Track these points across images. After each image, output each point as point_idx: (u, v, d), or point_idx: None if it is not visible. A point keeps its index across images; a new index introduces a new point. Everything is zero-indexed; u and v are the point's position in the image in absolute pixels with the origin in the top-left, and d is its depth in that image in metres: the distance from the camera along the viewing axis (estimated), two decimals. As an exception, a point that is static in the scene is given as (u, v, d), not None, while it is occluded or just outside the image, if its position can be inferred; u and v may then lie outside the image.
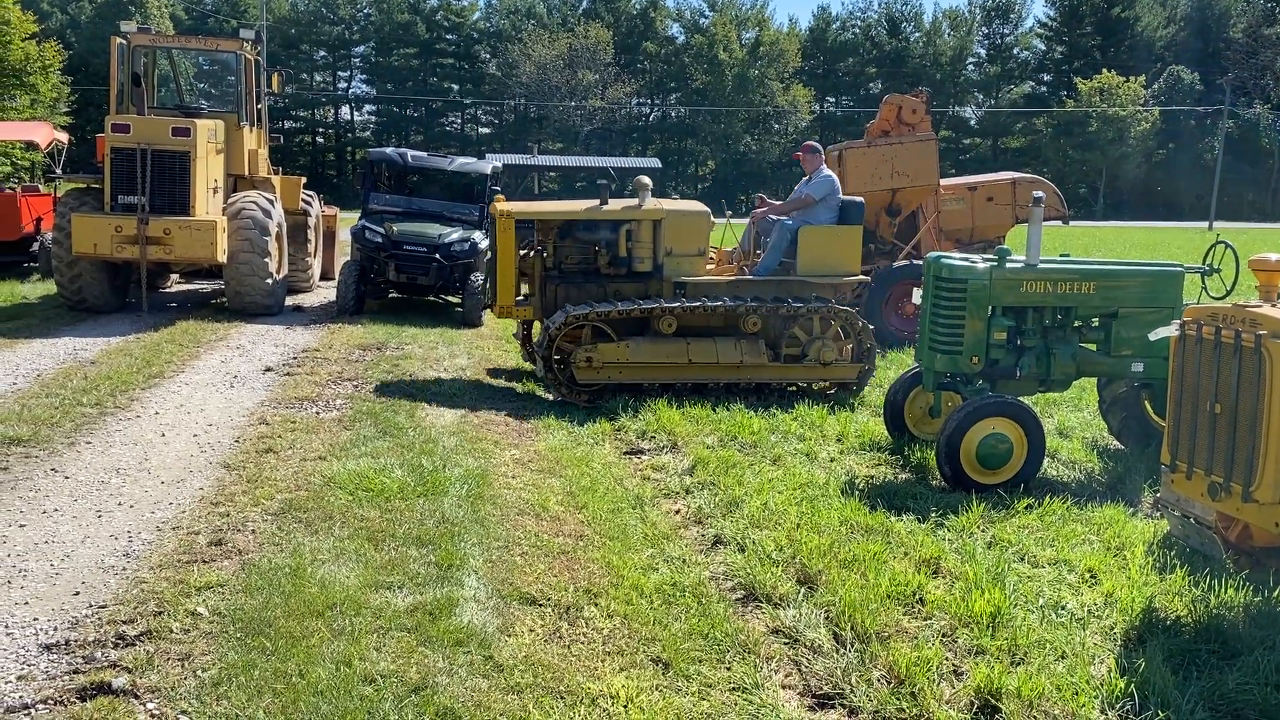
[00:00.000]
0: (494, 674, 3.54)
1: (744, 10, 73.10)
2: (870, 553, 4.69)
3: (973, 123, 78.09)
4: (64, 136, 19.72)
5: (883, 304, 10.91)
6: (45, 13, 51.79)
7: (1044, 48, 77.12)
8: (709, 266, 8.95)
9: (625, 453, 6.82)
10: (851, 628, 3.96)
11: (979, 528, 5.23)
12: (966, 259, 6.51)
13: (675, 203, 9.36)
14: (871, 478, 6.18)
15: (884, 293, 10.91)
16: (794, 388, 8.62)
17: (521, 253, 8.86)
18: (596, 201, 8.75)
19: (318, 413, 7.40)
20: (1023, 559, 4.83)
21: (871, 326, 8.65)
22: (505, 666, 3.59)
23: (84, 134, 32.42)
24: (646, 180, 8.86)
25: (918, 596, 4.31)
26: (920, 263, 10.69)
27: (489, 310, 9.70)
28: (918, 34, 76.40)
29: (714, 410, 7.59)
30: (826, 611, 4.13)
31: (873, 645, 3.85)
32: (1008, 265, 6.31)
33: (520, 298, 8.95)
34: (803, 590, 4.34)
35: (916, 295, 7.00)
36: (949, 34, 75.69)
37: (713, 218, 8.94)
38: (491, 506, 5.35)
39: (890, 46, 74.97)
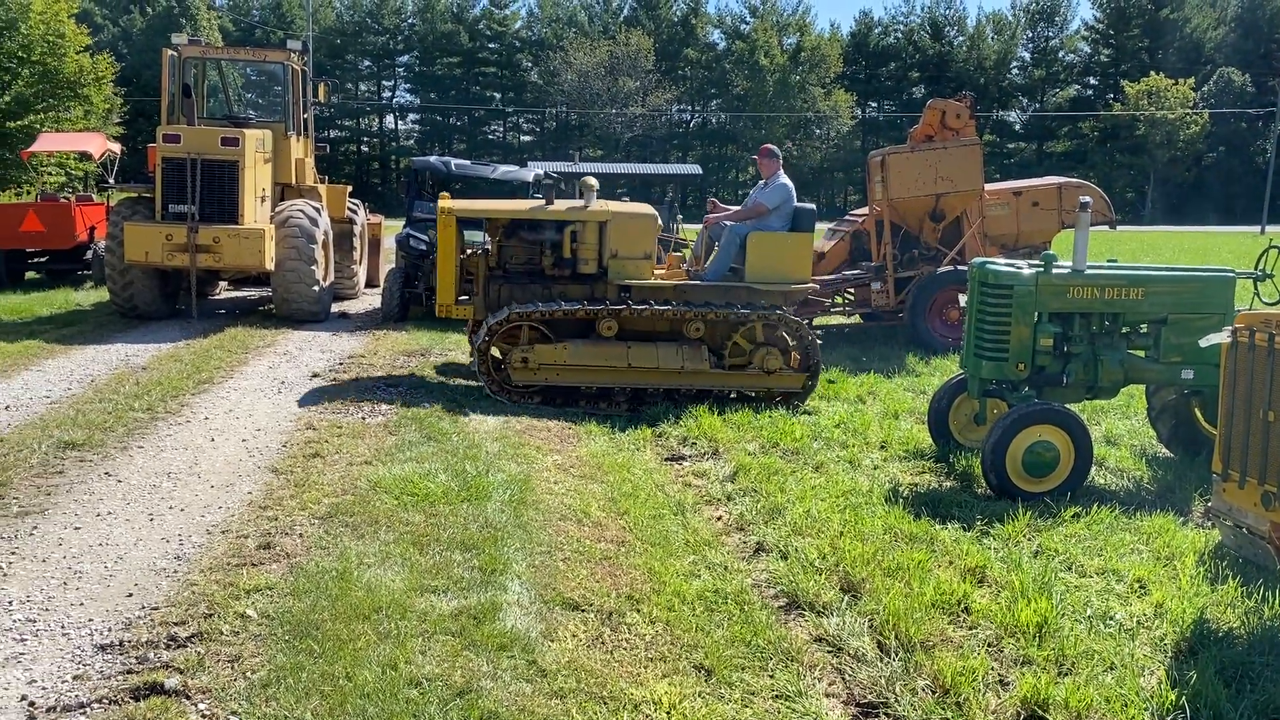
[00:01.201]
0: (537, 679, 3.56)
1: (785, 16, 72.95)
2: (914, 561, 4.65)
3: (1017, 127, 77.20)
4: (116, 147, 20.12)
5: (926, 310, 10.83)
6: (98, 26, 52.92)
7: (1090, 50, 76.03)
8: (658, 270, 8.87)
9: (666, 459, 6.83)
10: (896, 636, 3.94)
11: (1025, 536, 5.17)
12: (1012, 264, 6.45)
13: (622, 205, 9.28)
14: (915, 485, 6.14)
15: (928, 299, 10.83)
16: (736, 395, 8.52)
17: (467, 252, 8.83)
18: (542, 201, 8.69)
19: (363, 418, 7.48)
20: (1070, 568, 4.77)
21: (814, 339, 8.48)
22: (548, 671, 3.61)
23: (135, 144, 33.06)
24: (593, 181, 8.79)
25: (963, 605, 4.27)
26: (964, 268, 10.62)
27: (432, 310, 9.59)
28: (961, 38, 75.70)
29: (755, 416, 7.57)
30: (870, 620, 4.10)
31: (917, 654, 3.83)
32: (1054, 271, 6.24)
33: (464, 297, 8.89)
34: (846, 598, 4.32)
35: (964, 300, 6.94)
36: (993, 38, 74.92)
37: (660, 222, 8.85)
38: (534, 512, 5.38)
39: (933, 51, 74.35)
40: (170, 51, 13.11)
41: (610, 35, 67.00)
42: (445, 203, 8.68)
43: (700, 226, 9.60)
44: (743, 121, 68.74)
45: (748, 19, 73.29)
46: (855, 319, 12.63)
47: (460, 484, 5.75)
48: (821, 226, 12.19)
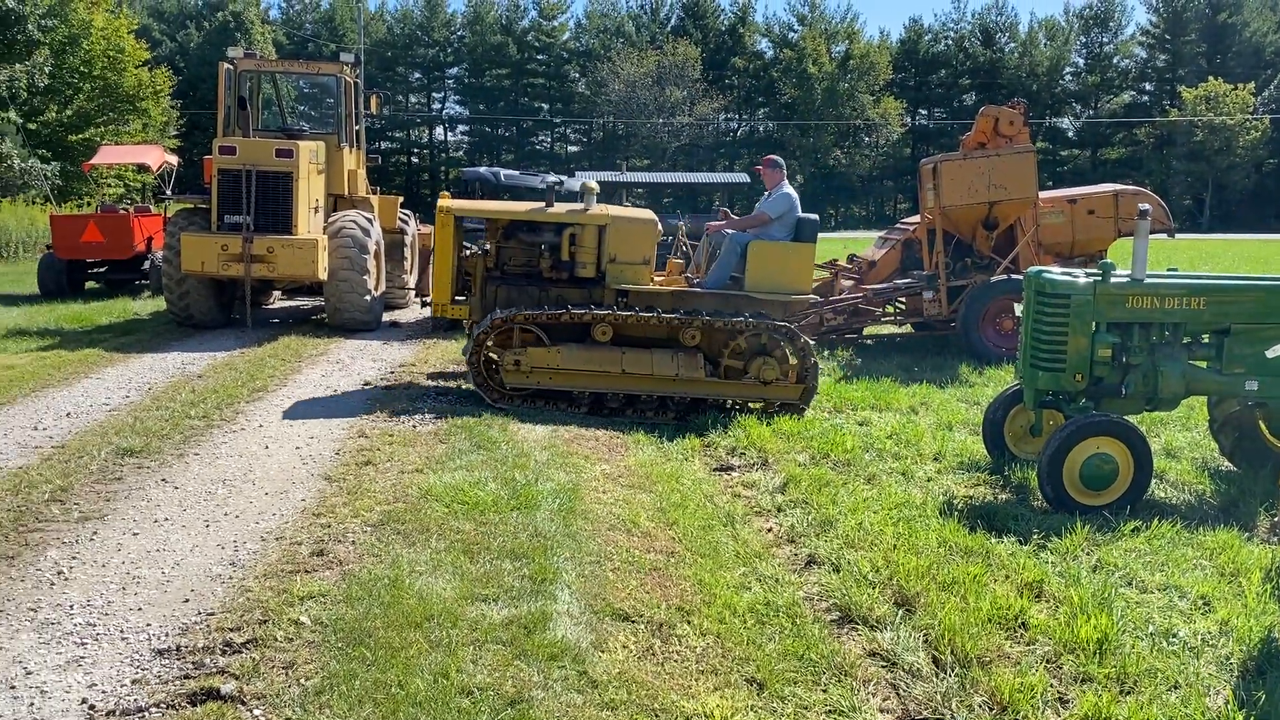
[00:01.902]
0: (588, 690, 3.55)
1: (834, 24, 72.65)
2: (970, 575, 4.57)
3: (1070, 134, 76.15)
4: (174, 159, 20.55)
5: (979, 319, 10.69)
6: (156, 40, 54.10)
7: (1145, 56, 74.82)
8: (658, 277, 8.80)
9: (715, 469, 6.79)
10: (951, 651, 3.87)
11: (1083, 551, 5.07)
12: (1068, 273, 6.33)
13: (622, 209, 9.19)
14: (970, 498, 6.04)
15: (981, 308, 10.69)
16: (735, 405, 8.44)
17: (466, 252, 8.82)
18: (543, 204, 8.65)
19: (414, 426, 7.53)
20: (1130, 584, 4.66)
21: (811, 349, 8.35)
22: (600, 683, 3.59)
23: (191, 156, 33.76)
24: (593, 184, 8.75)
25: (1020, 621, 4.19)
26: (1018, 277, 10.47)
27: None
28: (1013, 44, 74.85)
29: (805, 427, 7.51)
30: (925, 634, 4.04)
31: (974, 670, 3.76)
32: (1112, 280, 6.11)
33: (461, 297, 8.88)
34: (900, 612, 4.25)
35: (1019, 310, 6.83)
36: (1045, 44, 73.99)
37: (660, 227, 8.78)
38: (583, 521, 5.37)
39: (984, 58, 73.58)
40: (227, 65, 13.35)
41: (658, 45, 67.16)
42: (444, 202, 8.70)
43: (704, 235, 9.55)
44: (790, 130, 68.51)
45: (796, 27, 73.13)
46: (906, 328, 12.50)
47: (509, 492, 5.76)
48: (871, 235, 12.12)
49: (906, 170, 71.76)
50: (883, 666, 3.87)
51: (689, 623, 4.14)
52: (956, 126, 68.94)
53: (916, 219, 12.56)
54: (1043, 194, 11.82)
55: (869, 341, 12.16)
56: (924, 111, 77.73)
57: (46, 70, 33.93)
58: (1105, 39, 74.67)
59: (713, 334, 8.35)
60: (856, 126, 68.39)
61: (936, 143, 70.71)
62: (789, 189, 8.84)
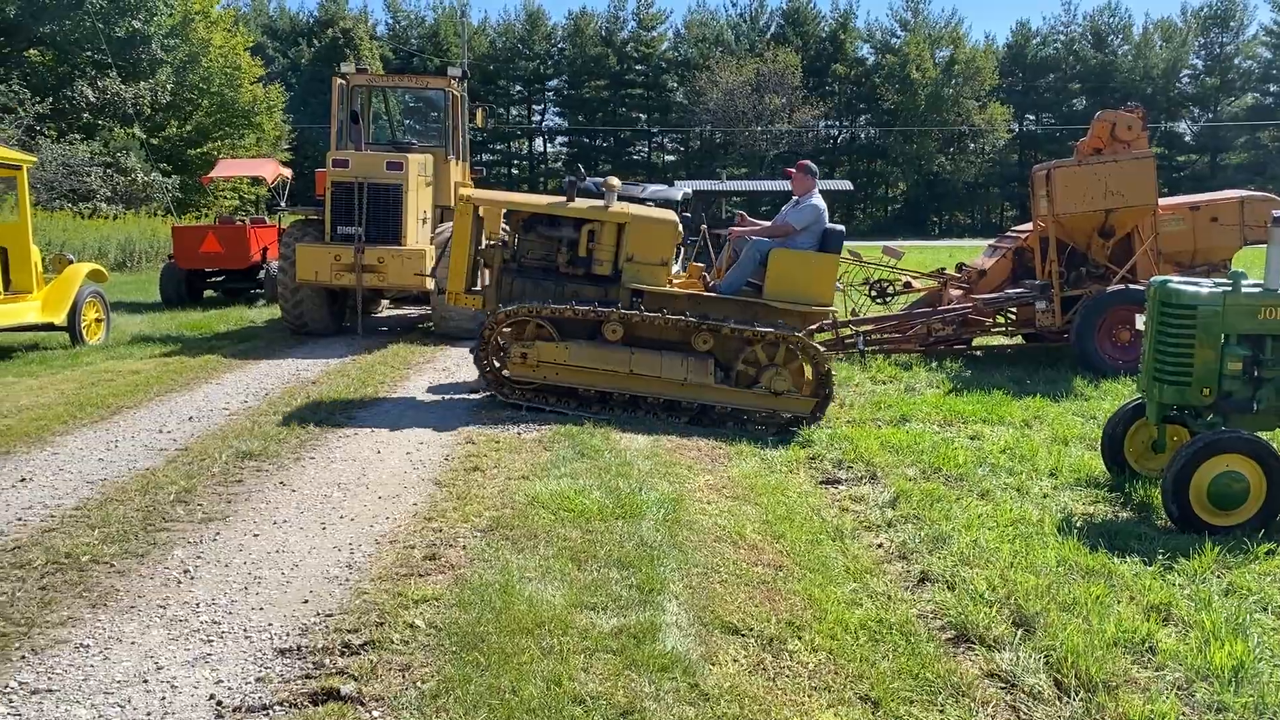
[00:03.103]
0: (700, 702, 3.52)
1: (938, 29, 71.36)
2: (1092, 596, 4.41)
3: (1187, 138, 73.27)
4: (287, 172, 21.26)
5: (1095, 330, 10.33)
6: (270, 57, 56.12)
7: (1270, 56, 71.52)
8: (676, 280, 8.63)
9: (821, 482, 6.69)
10: (1075, 675, 3.73)
11: (1213, 573, 4.84)
12: (1194, 283, 6.08)
13: (643, 209, 9.02)
14: (1089, 515, 5.83)
15: (1097, 319, 10.32)
16: (745, 415, 8.27)
17: (489, 242, 8.75)
18: (564, 198, 8.57)
19: (519, 433, 7.62)
20: (1265, 609, 4.43)
21: (826, 361, 8.15)
22: (711, 696, 3.56)
23: (301, 169, 34.89)
24: (615, 181, 8.66)
25: (1147, 645, 4.02)
26: (1137, 287, 10.10)
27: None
28: (1126, 47, 72.45)
29: (915, 440, 7.36)
30: (1046, 656, 3.90)
31: (1099, 695, 3.61)
32: (1243, 290, 5.83)
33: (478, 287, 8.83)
34: (1019, 633, 4.12)
35: (1140, 322, 6.57)
36: (1161, 45, 71.38)
37: (681, 229, 8.60)
38: (688, 532, 5.35)
39: (1095, 61, 71.37)
40: (340, 80, 13.74)
41: (757, 53, 66.93)
42: (465, 191, 8.71)
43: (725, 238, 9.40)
44: (893, 136, 67.52)
45: (898, 33, 72.04)
46: (1017, 340, 12.16)
47: (614, 501, 5.77)
48: (976, 243, 11.80)
49: (1013, 177, 70.08)
50: (1002, 688, 3.75)
51: (800, 638, 4.08)
52: (1066, 132, 67.04)
53: (1028, 227, 12.21)
54: (1162, 200, 11.39)
55: (978, 353, 11.86)
56: (1031, 117, 75.71)
57: (168, 88, 35.52)
58: (1226, 39, 71.64)
59: (725, 340, 8.21)
60: (961, 132, 67.02)
61: (1045, 149, 68.91)
62: (819, 200, 8.63)
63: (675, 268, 9.74)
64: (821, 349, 8.29)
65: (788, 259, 8.30)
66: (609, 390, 8.25)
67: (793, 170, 8.94)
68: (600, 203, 8.54)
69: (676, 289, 8.53)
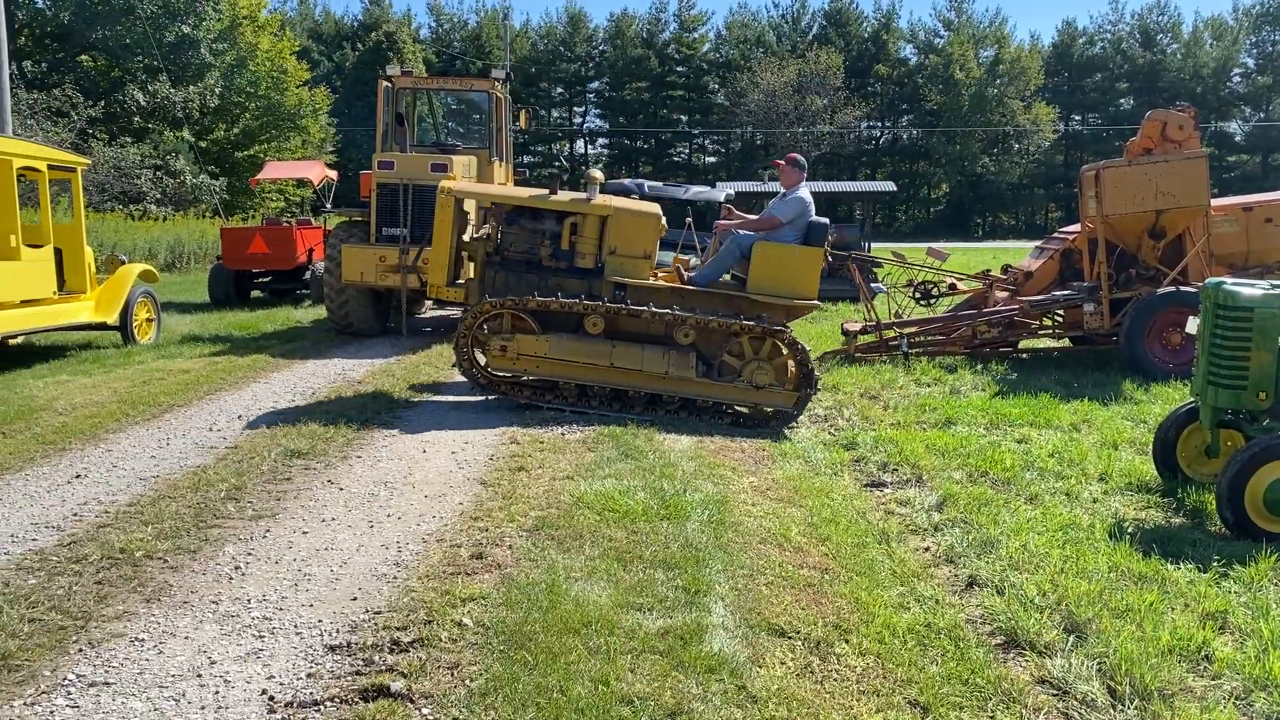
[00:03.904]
0: (748, 705, 3.51)
1: (982, 28, 70.64)
2: (1146, 602, 4.34)
3: (1238, 138, 71.90)
4: (333, 174, 21.48)
5: (1145, 333, 10.16)
6: (315, 61, 56.81)
7: (1325, 54, 70.12)
8: (661, 273, 8.58)
9: (866, 485, 6.65)
10: (1130, 683, 3.67)
11: (1270, 581, 4.74)
12: (1250, 285, 5.96)
13: (626, 201, 8.95)
14: (1141, 521, 5.74)
15: (1147, 321, 10.16)
16: (729, 409, 8.21)
17: (474, 235, 8.69)
18: (546, 190, 8.52)
19: (562, 433, 7.64)
20: (1326, 619, 4.34)
21: (808, 355, 8.11)
22: (758, 698, 3.54)
23: (346, 171, 35.28)
24: (597, 174, 8.60)
25: (1203, 653, 3.95)
26: (1188, 289, 9.93)
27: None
28: (1175, 46, 71.25)
29: (962, 443, 7.28)
30: (1099, 663, 3.85)
31: (1154, 703, 3.56)
32: (1302, 292, 5.72)
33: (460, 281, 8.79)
34: (1071, 639, 4.06)
35: (1192, 324, 6.46)
36: (1211, 44, 70.13)
37: (664, 222, 8.57)
38: (733, 533, 5.33)
39: (1143, 60, 70.28)
40: (385, 83, 13.87)
41: (799, 54, 66.64)
42: (446, 183, 8.69)
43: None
44: (936, 137, 66.93)
45: (942, 33, 71.43)
46: (1064, 342, 12.00)
47: (659, 502, 5.77)
48: (1020, 245, 11.66)
49: (1058, 178, 69.23)
50: (1053, 695, 3.70)
51: (847, 641, 4.05)
52: (1112, 133, 66.11)
53: (1075, 228, 12.05)
54: (1215, 201, 11.18)
55: (1024, 355, 11.72)
56: (1077, 117, 74.70)
57: (216, 91, 36.06)
58: (1278, 38, 70.24)
59: (708, 334, 8.19)
60: (1006, 133, 66.28)
61: (1091, 149, 67.97)
62: (805, 192, 8.59)
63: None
64: (804, 345, 8.29)
65: (772, 252, 8.29)
66: (589, 384, 8.25)
67: (781, 163, 8.94)
68: (583, 195, 8.54)
69: (660, 282, 8.53)
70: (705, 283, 8.45)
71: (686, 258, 9.58)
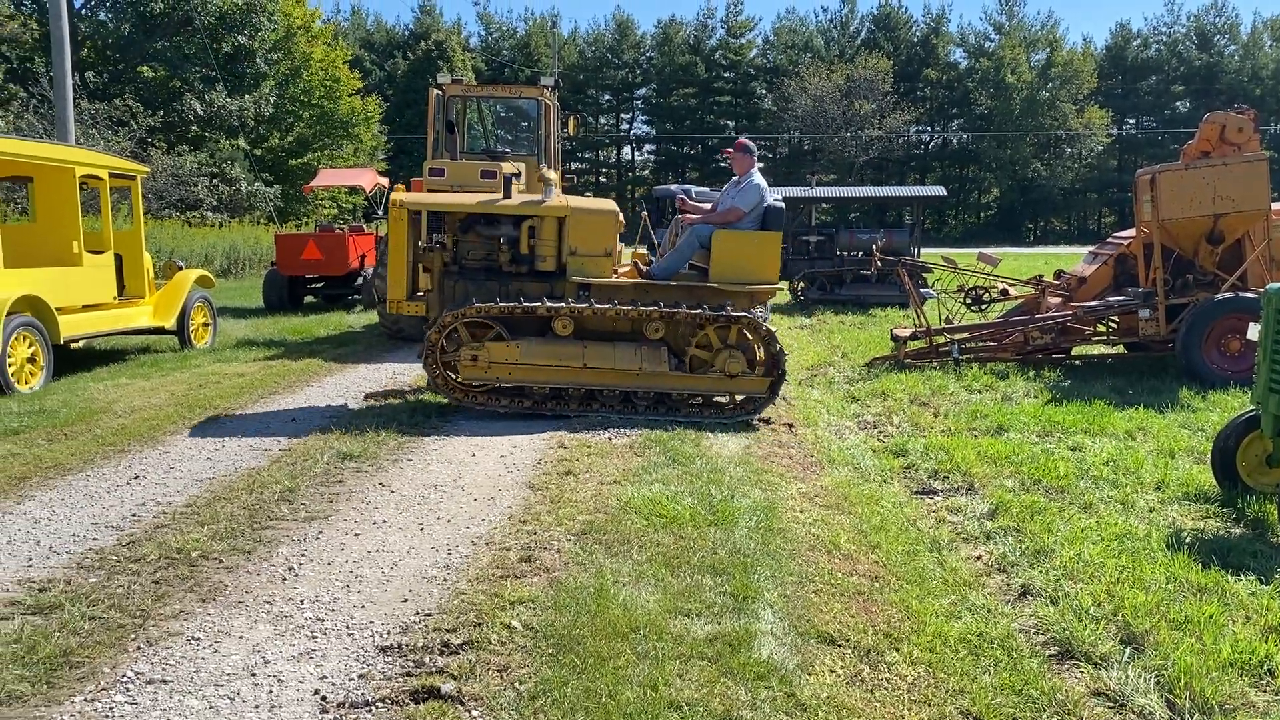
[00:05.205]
0: (797, 712, 3.49)
1: (1033, 31, 69.77)
2: (1205, 614, 4.25)
3: (1298, 140, 70.27)
4: (384, 181, 21.73)
5: (1202, 340, 9.96)
6: (366, 70, 57.56)
7: (1389, 54, 68.31)
8: (622, 269, 8.52)
9: (916, 492, 6.58)
10: (1189, 697, 3.60)
11: (1336, 595, 4.62)
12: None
13: (582, 200, 8.85)
14: (1199, 531, 5.62)
15: (1204, 328, 9.95)
16: (700, 400, 8.17)
17: (426, 246, 8.62)
18: (499, 195, 8.42)
19: (609, 438, 7.66)
20: (1393, 633, 4.21)
21: (776, 338, 8.05)
22: (808, 706, 3.52)
23: (397, 178, 35.68)
24: (552, 175, 8.54)
25: (1266, 667, 3.85)
26: (1248, 295, 9.72)
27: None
28: (1233, 47, 69.84)
29: (1015, 450, 7.19)
30: (1157, 676, 3.77)
31: (1215, 717, 3.48)
32: (1368, 298, 5.57)
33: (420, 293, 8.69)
34: (1127, 651, 3.99)
35: (1253, 330, 6.32)
36: (1271, 45, 68.66)
37: (622, 219, 8.49)
38: (781, 540, 5.31)
39: (1200, 62, 69.00)
40: (436, 90, 14.01)
41: (847, 59, 66.28)
42: (397, 195, 8.63)
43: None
44: (986, 141, 66.17)
45: (992, 36, 70.70)
46: (1118, 349, 11.79)
47: (706, 508, 5.76)
48: (1072, 250, 11.50)
49: (1112, 182, 68.10)
50: (1109, 707, 3.63)
51: (897, 650, 4.01)
52: (1168, 136, 64.94)
53: (1130, 233, 11.84)
54: (1275, 205, 10.93)
55: (1077, 362, 11.54)
56: (1132, 120, 73.53)
57: (271, 100, 36.70)
58: (1342, 37, 68.64)
59: (676, 327, 8.18)
60: (1058, 137, 65.37)
61: (1145, 153, 66.85)
62: (759, 178, 8.57)
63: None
64: (772, 329, 8.26)
65: (731, 240, 8.33)
66: (564, 385, 8.25)
67: (730, 150, 8.90)
68: (538, 197, 8.50)
69: (622, 280, 8.51)
70: (666, 276, 8.48)
71: (644, 252, 9.58)
